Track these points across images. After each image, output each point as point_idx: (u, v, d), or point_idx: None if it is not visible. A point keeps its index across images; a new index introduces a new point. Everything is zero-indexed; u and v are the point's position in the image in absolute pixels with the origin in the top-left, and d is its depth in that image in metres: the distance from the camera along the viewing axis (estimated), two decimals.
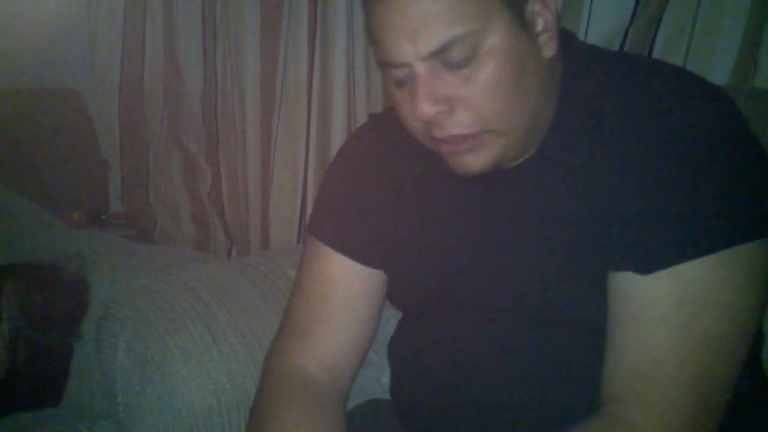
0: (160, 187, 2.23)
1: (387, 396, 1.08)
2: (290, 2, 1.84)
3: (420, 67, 0.81)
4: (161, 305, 1.13)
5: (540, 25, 0.83)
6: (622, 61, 0.93)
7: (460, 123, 0.82)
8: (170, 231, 2.22)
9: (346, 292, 1.01)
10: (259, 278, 1.23)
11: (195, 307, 1.13)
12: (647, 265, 0.80)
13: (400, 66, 0.82)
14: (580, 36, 1.39)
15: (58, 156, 2.26)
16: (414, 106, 0.82)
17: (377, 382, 1.16)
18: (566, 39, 0.90)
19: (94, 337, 1.19)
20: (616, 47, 1.38)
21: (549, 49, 0.85)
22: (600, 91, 0.87)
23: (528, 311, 0.90)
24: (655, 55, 1.38)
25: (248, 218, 2.04)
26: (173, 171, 2.21)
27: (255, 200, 2.02)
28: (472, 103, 0.81)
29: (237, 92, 1.99)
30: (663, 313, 0.80)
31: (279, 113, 1.91)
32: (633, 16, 1.39)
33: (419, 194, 0.98)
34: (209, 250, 2.17)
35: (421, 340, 1.00)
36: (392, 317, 1.10)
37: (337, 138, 1.84)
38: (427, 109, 0.81)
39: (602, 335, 0.85)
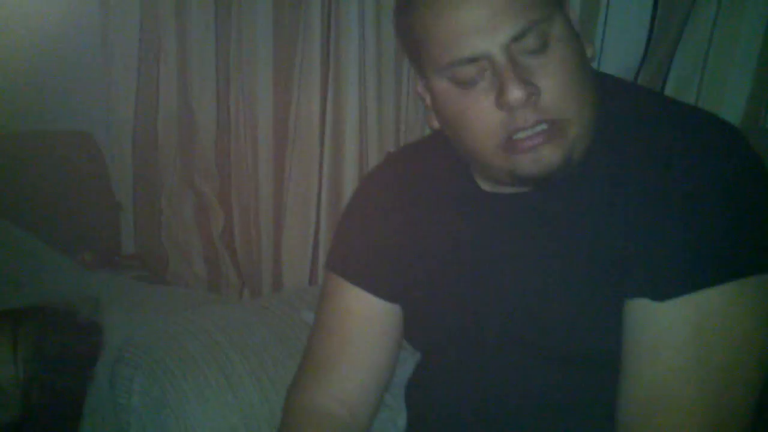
0: (173, 228, 2.24)
1: None
2: (303, 44, 1.86)
3: (502, 55, 0.82)
4: (176, 348, 1.13)
5: (577, 26, 0.88)
6: (641, 93, 0.95)
7: (541, 109, 0.83)
8: (182, 272, 2.22)
9: (365, 328, 1.02)
10: (273, 320, 1.23)
11: (210, 350, 1.13)
12: (664, 292, 0.81)
13: (477, 59, 0.83)
14: None
15: (70, 198, 2.27)
16: (505, 92, 0.82)
17: (393, 424, 1.15)
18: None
19: (108, 380, 1.19)
20: None
21: (589, 48, 0.88)
22: (622, 124, 0.88)
23: (550, 346, 0.90)
24: None
25: (260, 259, 2.04)
26: (186, 212, 2.21)
27: (267, 241, 2.02)
28: (552, 90, 0.83)
29: (250, 134, 2.00)
30: (679, 342, 0.81)
31: (291, 154, 1.92)
32: (644, 57, 1.40)
33: (436, 230, 0.99)
34: (221, 291, 2.16)
35: (439, 381, 1.00)
36: (409, 359, 1.10)
37: (350, 179, 1.85)
38: (519, 91, 0.81)
39: (617, 371, 0.85)
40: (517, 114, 0.83)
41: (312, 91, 1.87)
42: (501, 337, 0.93)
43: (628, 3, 1.40)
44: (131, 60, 2.22)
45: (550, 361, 0.90)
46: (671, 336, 0.81)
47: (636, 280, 0.83)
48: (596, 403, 0.88)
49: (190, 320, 1.19)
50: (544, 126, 0.84)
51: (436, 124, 0.94)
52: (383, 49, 1.77)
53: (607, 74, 0.98)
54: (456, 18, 0.82)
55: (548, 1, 0.84)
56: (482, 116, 0.85)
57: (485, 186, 0.96)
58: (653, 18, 1.38)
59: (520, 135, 0.84)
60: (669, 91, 1.39)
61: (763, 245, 0.81)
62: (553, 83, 0.83)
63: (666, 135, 0.85)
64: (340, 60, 1.82)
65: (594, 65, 1.40)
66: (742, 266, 0.80)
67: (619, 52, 1.43)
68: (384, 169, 1.10)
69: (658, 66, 1.39)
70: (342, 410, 1.00)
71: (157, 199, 2.26)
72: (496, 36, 0.82)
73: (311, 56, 1.86)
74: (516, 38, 0.82)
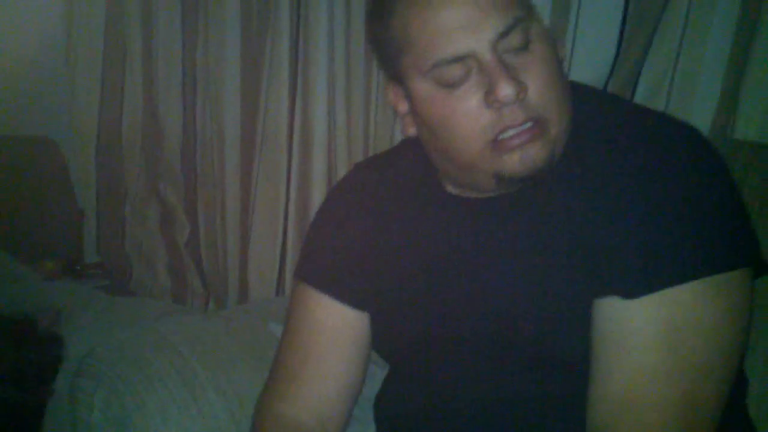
0: (137, 236, 2.21)
1: None
2: (270, 51, 1.85)
3: (489, 53, 0.82)
4: (139, 361, 1.10)
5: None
6: (608, 100, 0.97)
7: (529, 106, 0.83)
8: (146, 281, 2.19)
9: (334, 337, 1.01)
10: (239, 332, 1.21)
11: (174, 363, 1.10)
12: (633, 290, 0.81)
13: (463, 58, 0.83)
14: None
15: (32, 205, 2.24)
16: (496, 89, 0.81)
17: None
18: None
19: (68, 393, 1.16)
20: None
21: (560, 51, 0.89)
22: (590, 127, 0.89)
23: (522, 350, 0.89)
24: None
25: (226, 269, 2.02)
26: (150, 220, 2.18)
27: (233, 250, 2.00)
28: (538, 86, 0.83)
29: (216, 141, 1.98)
30: (649, 340, 0.81)
31: (258, 162, 1.90)
32: (613, 66, 1.41)
33: (403, 236, 0.99)
34: (186, 301, 2.14)
35: (408, 392, 0.99)
36: (378, 372, 1.09)
37: (318, 188, 1.84)
38: (510, 88, 0.81)
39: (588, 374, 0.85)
40: (505, 112, 0.83)
41: (280, 99, 1.86)
42: (471, 343, 0.92)
43: (598, 12, 1.41)
44: (96, 65, 2.19)
45: (522, 366, 0.90)
46: (641, 335, 0.81)
47: (606, 278, 0.83)
48: (569, 407, 0.87)
49: (154, 332, 1.16)
50: (530, 124, 0.84)
51: (412, 131, 0.93)
52: (352, 58, 1.77)
53: (575, 81, 0.98)
54: (440, 17, 0.82)
55: (528, 2, 0.85)
56: (470, 116, 0.85)
57: (453, 191, 0.96)
58: (622, 28, 1.39)
59: (508, 134, 0.84)
60: (638, 101, 1.40)
61: (730, 243, 0.82)
62: (538, 81, 0.83)
63: (632, 138, 0.86)
64: (308, 68, 1.81)
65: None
66: (711, 264, 0.80)
67: (588, 62, 1.43)
68: (351, 178, 1.10)
69: (627, 75, 1.40)
70: (312, 421, 0.99)
71: (121, 207, 2.23)
72: (482, 33, 0.82)
73: (279, 64, 1.84)
74: (502, 35, 0.82)
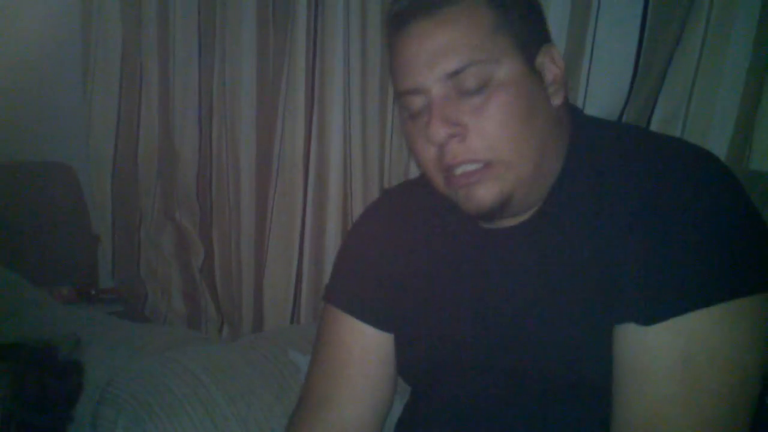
0: (152, 262, 2.22)
1: None
2: (287, 77, 1.86)
3: (436, 90, 0.86)
4: (161, 389, 1.11)
5: (549, 76, 0.90)
6: (624, 128, 1.01)
7: (470, 149, 0.86)
8: (161, 307, 2.20)
9: (361, 358, 1.03)
10: (259, 361, 1.21)
11: (195, 392, 1.11)
12: (650, 316, 0.81)
13: (417, 92, 0.88)
14: None
15: (47, 230, 2.25)
16: (428, 126, 0.86)
17: None
18: (573, 108, 0.96)
19: (89, 421, 1.16)
20: None
21: (557, 97, 0.90)
22: (605, 155, 0.90)
23: (542, 376, 0.90)
24: None
25: (241, 295, 2.02)
26: (165, 246, 2.19)
27: (248, 277, 2.00)
28: (483, 131, 0.86)
29: (232, 168, 1.99)
30: (667, 369, 0.81)
31: (274, 189, 1.91)
32: (628, 96, 1.42)
33: (428, 261, 1.01)
34: (200, 327, 2.14)
35: (430, 418, 1.00)
36: (397, 400, 1.09)
37: (333, 216, 1.84)
38: (440, 129, 0.86)
39: (608, 399, 0.85)
40: (446, 150, 0.87)
41: (296, 125, 1.87)
42: (492, 368, 0.93)
43: (613, 43, 1.42)
44: (112, 91, 2.21)
45: (543, 392, 0.90)
46: (659, 362, 0.81)
47: (623, 305, 0.83)
48: (592, 429, 0.88)
49: (175, 360, 1.17)
50: (474, 166, 0.87)
51: None
52: (367, 86, 1.78)
53: (589, 116, 1.00)
54: (406, 50, 0.88)
55: (498, 49, 0.86)
56: (422, 149, 0.90)
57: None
58: (637, 58, 1.40)
59: (457, 171, 0.88)
60: (653, 130, 1.40)
61: (746, 268, 0.82)
62: (486, 125, 0.86)
63: (647, 163, 0.87)
64: (324, 94, 1.82)
65: (579, 104, 1.43)
66: (727, 290, 0.80)
67: (603, 92, 1.44)
68: (380, 203, 1.13)
69: (642, 107, 1.41)
70: None
71: (136, 233, 2.23)
72: (433, 70, 0.86)
73: (295, 91, 1.86)
74: (451, 75, 0.86)
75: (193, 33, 2.07)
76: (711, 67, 1.34)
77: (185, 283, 2.17)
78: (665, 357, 0.81)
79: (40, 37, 2.40)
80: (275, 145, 1.90)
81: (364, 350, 1.03)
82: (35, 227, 2.22)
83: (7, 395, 1.21)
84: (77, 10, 2.23)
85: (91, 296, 2.26)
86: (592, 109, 1.42)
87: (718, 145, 1.34)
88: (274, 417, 1.12)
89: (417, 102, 0.89)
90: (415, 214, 1.02)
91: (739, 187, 0.85)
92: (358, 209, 1.81)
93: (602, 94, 1.44)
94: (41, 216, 2.24)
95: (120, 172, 2.24)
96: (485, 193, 0.88)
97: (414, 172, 1.68)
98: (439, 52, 0.86)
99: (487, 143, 0.86)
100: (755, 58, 1.30)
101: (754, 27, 1.29)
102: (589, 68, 1.44)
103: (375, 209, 1.12)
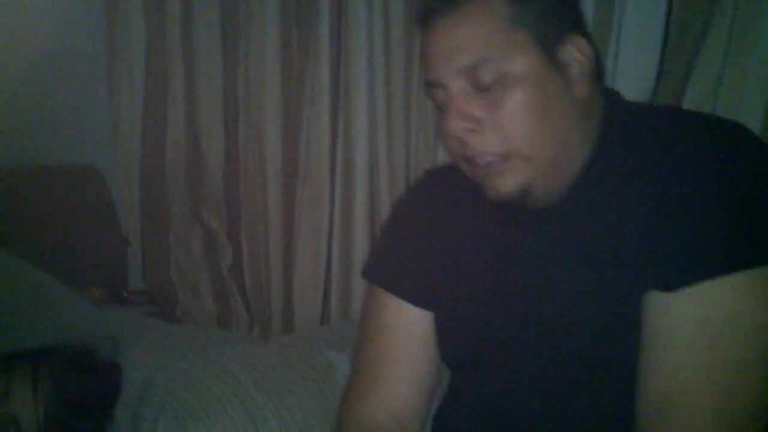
0: (181, 263, 2.23)
1: None
2: (312, 78, 1.88)
3: (453, 86, 0.90)
4: (200, 389, 1.12)
5: (574, 67, 0.90)
6: (660, 108, 1.06)
7: (486, 142, 0.90)
8: (191, 308, 2.21)
9: (404, 339, 1.06)
10: (295, 359, 1.23)
11: (234, 391, 1.13)
12: (672, 283, 0.84)
13: (438, 86, 0.91)
14: None
15: (77, 233, 2.27)
16: (444, 120, 0.90)
17: None
18: (610, 92, 0.97)
19: (129, 422, 1.18)
20: None
21: (582, 87, 0.91)
22: (639, 134, 0.92)
23: (576, 352, 0.92)
24: None
25: (270, 295, 2.04)
26: (194, 247, 2.21)
27: (277, 277, 2.02)
28: (499, 125, 0.89)
29: (259, 168, 2.01)
30: (688, 336, 0.83)
31: (302, 189, 1.92)
32: (655, 88, 1.42)
33: (466, 241, 1.03)
34: (230, 326, 2.15)
35: (468, 400, 1.03)
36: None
37: (361, 214, 1.85)
38: (455, 124, 0.90)
39: None
40: (464, 142, 0.91)
41: (321, 126, 1.88)
42: (530, 345, 0.96)
43: (640, 29, 1.42)
44: (138, 94, 2.22)
45: (580, 368, 0.92)
46: (681, 329, 0.83)
47: (650, 272, 0.86)
48: (626, 406, 0.89)
49: (213, 360, 1.19)
50: (491, 158, 0.90)
51: None
52: (392, 83, 1.79)
53: (626, 100, 1.01)
54: (428, 46, 0.92)
55: (514, 44, 0.88)
56: (446, 139, 0.94)
57: None
58: (664, 45, 1.40)
59: (479, 161, 0.91)
60: None
61: None
62: (501, 120, 0.88)
63: (680, 138, 0.89)
64: (349, 94, 1.83)
65: None
66: (748, 258, 0.82)
67: (631, 78, 1.45)
68: (422, 183, 1.15)
69: (670, 94, 1.41)
70: (390, 421, 1.03)
71: (165, 234, 2.25)
72: (450, 66, 0.89)
73: (320, 92, 1.87)
74: (466, 70, 0.88)
75: (217, 35, 2.08)
76: (740, 50, 1.34)
77: (215, 284, 2.19)
78: (687, 324, 0.83)
79: (66, 41, 2.41)
80: (301, 145, 1.92)
81: (406, 331, 1.05)
82: (65, 230, 2.23)
83: (49, 397, 1.23)
84: (101, 12, 2.24)
85: (122, 298, 2.27)
86: None
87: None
88: (312, 414, 1.13)
89: (440, 95, 0.92)
90: (454, 195, 1.04)
91: (765, 155, 0.86)
92: (385, 209, 1.82)
93: (629, 81, 1.44)
94: (71, 219, 2.26)
95: (147, 174, 2.26)
96: (504, 185, 0.91)
97: None
98: (455, 48, 0.88)
99: (502, 137, 0.89)
100: None
101: None
102: (617, 54, 1.45)
103: (417, 189, 1.15)
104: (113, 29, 2.21)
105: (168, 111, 2.19)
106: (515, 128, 0.88)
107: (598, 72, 0.94)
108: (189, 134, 2.17)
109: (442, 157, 1.70)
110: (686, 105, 1.41)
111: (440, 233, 1.05)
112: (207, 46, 2.10)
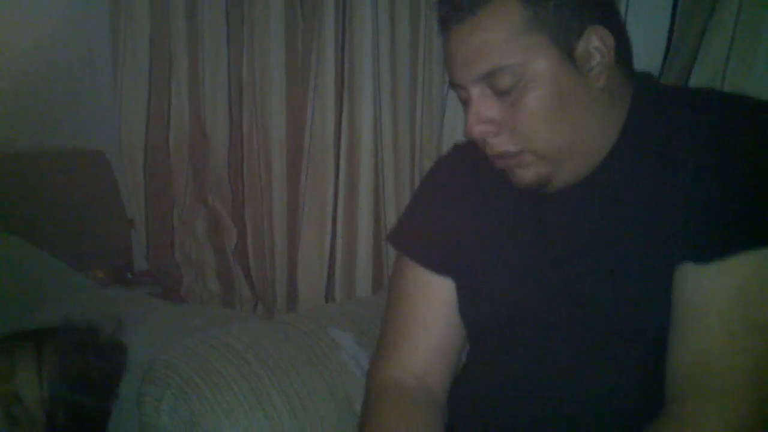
0: (186, 244, 2.24)
1: None
2: (316, 59, 1.87)
3: (472, 91, 0.93)
4: (204, 367, 1.12)
5: (595, 58, 0.92)
6: (691, 89, 1.09)
7: (504, 143, 0.94)
8: (196, 288, 2.22)
9: (426, 306, 1.09)
10: (300, 337, 1.22)
11: (238, 368, 1.13)
12: (706, 255, 0.85)
13: (460, 88, 0.95)
14: None
15: (82, 215, 2.28)
16: (466, 122, 0.94)
17: None
18: (641, 77, 1.00)
19: (135, 399, 1.18)
20: None
21: (602, 78, 0.92)
22: (669, 114, 0.94)
23: (601, 322, 0.93)
24: None
25: (274, 275, 2.04)
26: (198, 229, 2.21)
27: (281, 257, 2.02)
28: (515, 127, 0.92)
29: (263, 150, 2.00)
30: (722, 306, 0.85)
31: (306, 170, 1.92)
32: (662, 68, 1.41)
33: (491, 215, 1.06)
34: (234, 306, 2.16)
35: (488, 370, 1.05)
36: None
37: (365, 195, 1.85)
38: (474, 129, 0.94)
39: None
40: (484, 141, 0.95)
41: (325, 108, 1.87)
42: (554, 314, 0.97)
43: (646, 12, 1.41)
44: (142, 77, 2.22)
45: (602, 342, 0.93)
46: (715, 300, 0.85)
47: (683, 245, 0.87)
48: (649, 377, 0.90)
49: (217, 338, 1.19)
50: (510, 153, 0.94)
51: None
52: (398, 65, 1.78)
53: (658, 83, 1.03)
54: (448, 50, 0.95)
55: (531, 47, 0.89)
56: (468, 137, 0.97)
57: None
58: (671, 29, 1.39)
59: (497, 158, 0.96)
60: None
61: None
62: (517, 123, 0.92)
63: (712, 116, 0.90)
64: (354, 75, 1.82)
65: None
66: None
67: (638, 61, 1.44)
68: (451, 156, 1.17)
69: (677, 76, 1.40)
70: (413, 381, 1.06)
71: (169, 216, 2.26)
72: (468, 72, 0.92)
73: (325, 71, 1.86)
74: (484, 77, 0.92)
75: (221, 17, 2.07)
76: (749, 29, 1.32)
77: (219, 265, 2.19)
78: (720, 295, 0.85)
79: (70, 25, 2.41)
80: (306, 127, 1.91)
81: (427, 296, 1.09)
82: (71, 213, 2.25)
83: (53, 376, 1.24)
84: None
85: (127, 279, 2.29)
86: None
87: None
88: (316, 391, 1.14)
89: (462, 94, 0.96)
90: (481, 168, 1.05)
91: None
92: (390, 189, 1.82)
93: (637, 59, 1.43)
94: (76, 202, 2.27)
95: (152, 157, 2.26)
96: (524, 175, 0.95)
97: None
98: (472, 56, 0.91)
99: (519, 138, 0.93)
100: None
101: None
102: None
103: (445, 161, 1.18)
104: (118, 14, 2.21)
105: (172, 95, 2.19)
106: (531, 129, 0.92)
107: (627, 58, 0.96)
108: (193, 118, 2.18)
109: (446, 139, 1.69)
110: (693, 83, 1.40)
111: (466, 205, 1.08)
112: (211, 30, 2.09)
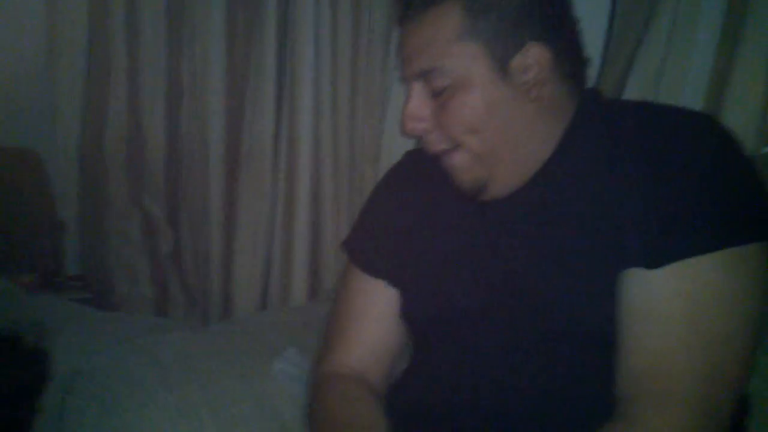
0: (119, 248, 2.18)
1: None
2: (256, 61, 1.85)
3: (413, 87, 0.97)
4: (129, 379, 1.09)
5: (528, 75, 0.93)
6: (631, 102, 1.09)
7: (436, 141, 0.98)
8: (129, 294, 2.17)
9: (367, 308, 1.12)
10: (227, 349, 1.20)
11: (164, 382, 1.09)
12: (656, 260, 0.86)
13: (406, 82, 0.99)
14: None
15: (10, 216, 2.21)
16: (402, 120, 0.98)
17: None
18: (588, 91, 1.01)
19: (56, 412, 1.14)
20: None
21: (539, 92, 0.94)
22: (608, 125, 0.96)
23: (543, 324, 0.94)
24: None
25: (210, 281, 2.01)
26: (132, 232, 2.16)
27: (217, 263, 1.99)
28: (444, 128, 0.96)
29: (201, 153, 1.98)
30: (671, 311, 0.85)
31: (244, 174, 1.90)
32: (597, 80, 1.42)
33: (440, 220, 1.07)
34: (168, 312, 2.12)
35: (429, 372, 1.04)
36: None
37: (304, 200, 1.83)
38: (407, 124, 0.98)
39: (612, 348, 0.89)
40: (420, 138, 1.00)
41: (265, 111, 1.86)
42: (491, 319, 0.97)
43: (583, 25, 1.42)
44: (79, 76, 2.17)
45: (542, 344, 0.93)
46: (665, 305, 0.85)
47: (629, 251, 0.88)
48: (594, 380, 0.90)
49: (145, 349, 1.15)
50: (446, 151, 0.98)
51: None
52: (338, 67, 1.77)
53: (602, 97, 1.04)
54: (399, 43, 0.99)
55: (467, 51, 0.93)
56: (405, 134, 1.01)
57: None
58: (607, 40, 1.41)
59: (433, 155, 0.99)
60: None
61: (748, 217, 0.86)
62: (445, 124, 0.96)
63: (652, 125, 0.92)
64: (294, 81, 1.81)
65: None
66: (732, 236, 0.85)
67: None
68: (402, 163, 1.20)
69: (611, 89, 1.41)
70: (350, 373, 1.09)
71: (103, 219, 2.20)
72: (409, 67, 0.97)
73: (264, 76, 1.85)
74: (419, 75, 0.96)
75: (161, 18, 2.04)
76: (682, 42, 1.35)
77: (153, 270, 2.15)
78: (671, 300, 0.85)
79: (3, 19, 2.34)
80: (245, 130, 1.89)
81: (369, 300, 1.12)
82: None
83: None
84: None
85: (56, 284, 2.22)
86: None
87: None
88: (245, 408, 1.11)
89: (407, 89, 0.99)
90: (431, 175, 1.06)
91: (739, 145, 0.90)
92: (329, 195, 1.81)
93: None
94: (4, 202, 2.20)
95: (87, 157, 2.20)
96: (462, 180, 0.98)
97: (384, 157, 1.68)
98: (413, 53, 0.96)
99: (446, 138, 0.97)
100: (723, 41, 1.31)
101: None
102: None
103: (396, 169, 1.20)
104: (54, 8, 2.15)
105: (109, 93, 2.14)
106: (456, 132, 0.95)
107: (574, 73, 0.97)
108: (130, 117, 2.13)
109: (386, 142, 1.69)
110: (627, 96, 1.41)
111: (414, 210, 1.10)
112: (151, 26, 2.06)
